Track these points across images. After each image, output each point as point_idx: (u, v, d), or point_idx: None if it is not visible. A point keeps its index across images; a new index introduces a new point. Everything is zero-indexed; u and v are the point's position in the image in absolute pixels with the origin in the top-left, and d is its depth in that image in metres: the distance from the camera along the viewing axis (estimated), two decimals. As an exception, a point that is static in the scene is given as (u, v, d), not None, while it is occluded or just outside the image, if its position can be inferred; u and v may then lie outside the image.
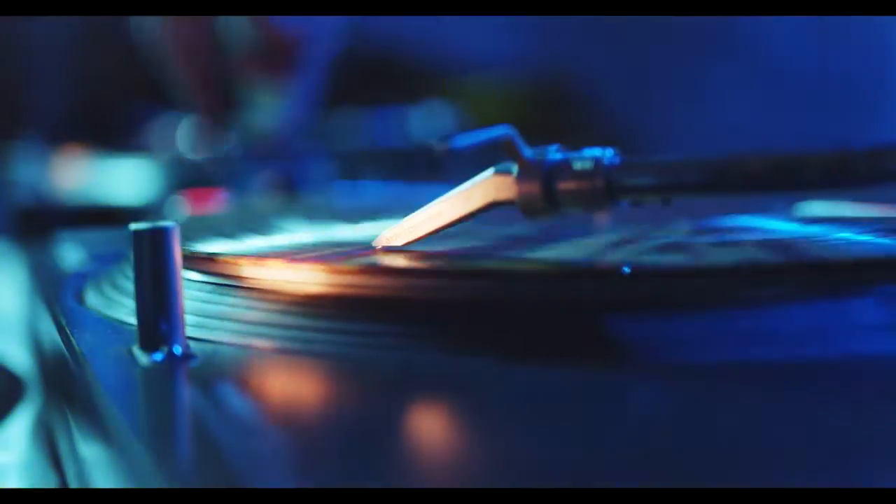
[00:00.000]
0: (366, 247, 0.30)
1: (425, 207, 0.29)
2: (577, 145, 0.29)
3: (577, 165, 0.28)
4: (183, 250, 0.24)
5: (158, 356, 0.24)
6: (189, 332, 0.25)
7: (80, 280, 0.35)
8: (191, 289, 0.28)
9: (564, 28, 0.71)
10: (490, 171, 0.29)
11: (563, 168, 0.28)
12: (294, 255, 0.28)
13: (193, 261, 0.29)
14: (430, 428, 0.20)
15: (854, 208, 0.36)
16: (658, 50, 0.71)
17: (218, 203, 0.63)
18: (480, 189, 0.29)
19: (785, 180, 0.26)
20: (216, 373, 0.23)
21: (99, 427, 0.22)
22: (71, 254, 0.41)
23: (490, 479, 0.17)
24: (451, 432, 0.20)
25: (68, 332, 0.27)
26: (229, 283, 0.28)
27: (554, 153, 0.28)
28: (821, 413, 0.20)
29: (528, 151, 0.28)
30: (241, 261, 0.28)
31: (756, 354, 0.23)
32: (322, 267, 0.26)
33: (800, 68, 0.70)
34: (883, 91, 0.72)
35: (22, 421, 0.34)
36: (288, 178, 0.67)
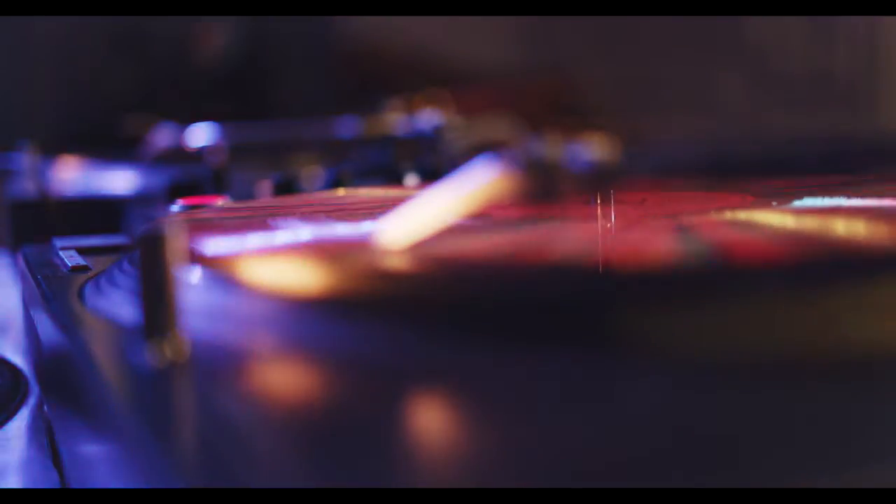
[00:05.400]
0: (365, 243, 0.30)
1: (424, 202, 0.29)
2: (574, 140, 0.29)
3: (573, 160, 0.28)
4: (183, 249, 0.24)
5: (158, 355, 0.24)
6: (189, 330, 0.25)
7: (79, 280, 0.35)
8: (191, 287, 0.28)
9: (564, 25, 0.71)
10: (488, 165, 0.29)
11: (561, 162, 0.28)
12: (294, 252, 0.28)
13: (194, 259, 0.29)
14: (431, 426, 0.20)
15: (850, 200, 0.36)
16: (656, 45, 0.71)
17: (217, 207, 0.63)
18: (479, 183, 0.29)
19: (783, 170, 0.26)
20: (217, 371, 0.23)
21: (99, 426, 0.22)
22: (70, 255, 0.41)
23: (495, 479, 0.17)
24: (453, 431, 0.20)
25: (67, 331, 0.27)
26: (229, 281, 0.28)
27: (551, 147, 0.28)
28: (824, 409, 0.20)
29: (526, 145, 0.28)
30: (242, 259, 0.28)
31: (755, 349, 0.23)
32: (322, 264, 0.26)
33: (796, 62, 0.71)
34: (879, 84, 0.72)
35: (22, 420, 0.34)
36: (285, 180, 0.67)
